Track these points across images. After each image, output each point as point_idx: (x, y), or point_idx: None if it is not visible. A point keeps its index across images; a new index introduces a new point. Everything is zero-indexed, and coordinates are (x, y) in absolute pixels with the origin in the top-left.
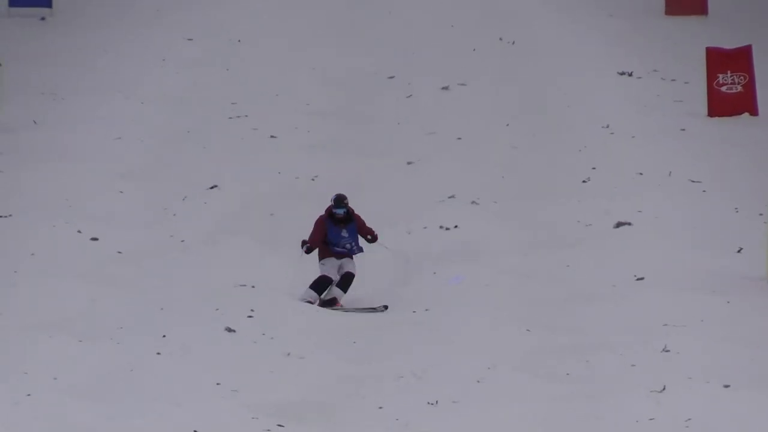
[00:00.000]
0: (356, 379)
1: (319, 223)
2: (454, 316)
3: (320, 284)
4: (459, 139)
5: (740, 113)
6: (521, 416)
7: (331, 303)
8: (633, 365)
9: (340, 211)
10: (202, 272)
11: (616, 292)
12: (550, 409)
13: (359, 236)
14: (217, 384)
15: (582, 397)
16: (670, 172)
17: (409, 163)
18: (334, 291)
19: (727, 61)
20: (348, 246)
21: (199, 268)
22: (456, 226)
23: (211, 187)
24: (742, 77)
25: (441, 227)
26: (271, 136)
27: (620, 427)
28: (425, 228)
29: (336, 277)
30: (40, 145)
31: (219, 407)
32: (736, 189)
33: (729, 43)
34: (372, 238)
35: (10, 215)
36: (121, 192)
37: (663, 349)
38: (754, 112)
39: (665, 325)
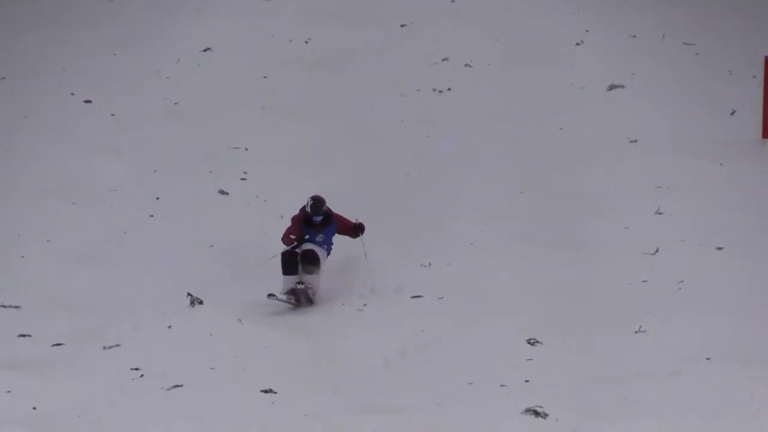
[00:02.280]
0: (350, 240)
1: (296, 222)
2: (449, 181)
3: (289, 264)
4: (452, 1)
5: None
6: (513, 278)
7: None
8: (626, 228)
9: (318, 219)
10: (196, 135)
11: (610, 155)
12: (542, 272)
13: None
14: (211, 246)
15: (575, 261)
16: (664, 35)
17: (402, 26)
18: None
19: None
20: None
21: (192, 132)
22: (449, 89)
23: (204, 50)
24: None
25: (434, 90)
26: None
27: (613, 289)
28: (418, 91)
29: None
30: (39, 16)
31: (212, 270)
32: (729, 52)
33: None
34: (357, 230)
35: (3, 78)
36: (115, 54)
37: (656, 212)
38: None
39: (658, 187)
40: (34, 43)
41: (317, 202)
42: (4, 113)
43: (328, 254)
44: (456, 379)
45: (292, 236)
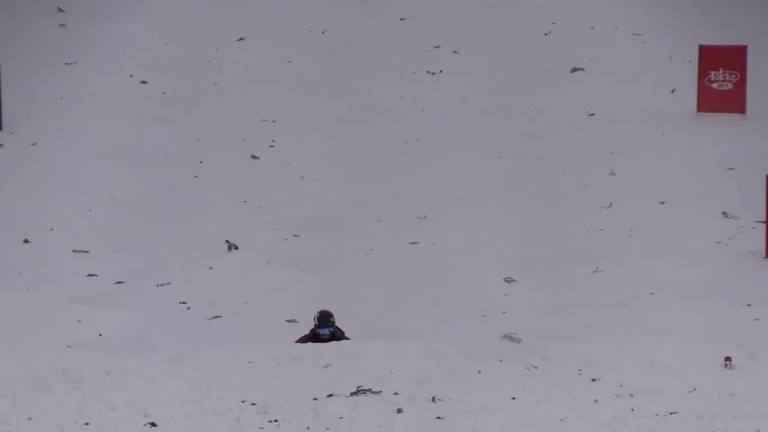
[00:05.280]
0: (359, 197)
1: (303, 339)
2: (440, 147)
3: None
4: None
5: None
6: (492, 227)
7: None
8: (585, 186)
9: (326, 332)
10: (232, 110)
11: (572, 126)
12: (516, 222)
13: None
14: (244, 202)
15: (543, 213)
16: (616, 27)
17: (401, 19)
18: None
19: None
20: None
21: (229, 107)
22: (441, 71)
23: (239, 39)
24: None
25: (428, 72)
26: None
27: (575, 236)
28: (415, 73)
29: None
30: (98, 4)
31: (246, 221)
32: (669, 39)
33: None
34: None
35: (75, 62)
36: (166, 43)
37: (610, 173)
38: None
39: (612, 152)
40: (101, 33)
41: (324, 315)
42: (75, 93)
43: None
44: (446, 311)
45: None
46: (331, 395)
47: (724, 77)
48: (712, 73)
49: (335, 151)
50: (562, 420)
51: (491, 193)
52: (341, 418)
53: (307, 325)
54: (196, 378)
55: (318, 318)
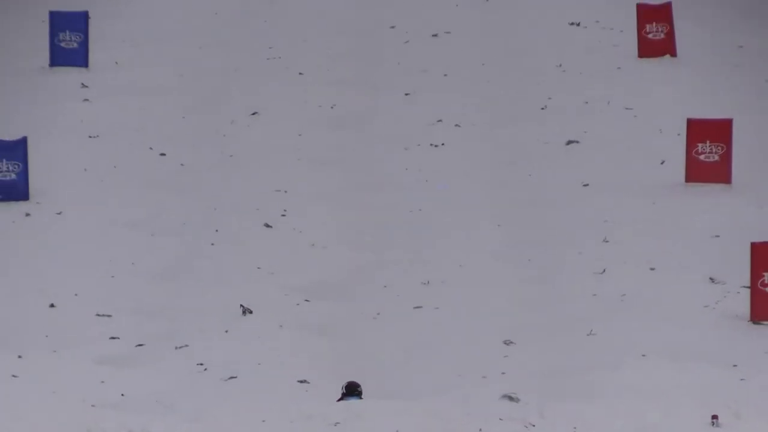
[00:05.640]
0: (366, 264)
1: None
2: (441, 216)
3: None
4: (445, 75)
5: (663, 55)
6: (493, 293)
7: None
8: (580, 253)
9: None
10: (247, 180)
11: (567, 196)
12: (515, 288)
13: None
14: (258, 268)
15: (540, 278)
16: (609, 102)
17: (406, 94)
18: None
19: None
20: None
21: (244, 178)
22: (443, 144)
23: (253, 114)
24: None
25: (431, 145)
26: (300, 73)
27: (572, 300)
28: (418, 145)
29: None
30: (121, 82)
31: (259, 286)
32: (659, 114)
33: None
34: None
35: (98, 136)
36: (183, 118)
37: (603, 240)
38: (673, 53)
39: (605, 221)
40: (122, 107)
41: (351, 385)
42: (98, 165)
43: None
44: (448, 371)
45: None
46: None
47: (710, 149)
48: (700, 145)
49: (343, 219)
50: None
51: (491, 260)
52: None
53: (318, 386)
54: None
55: (346, 387)
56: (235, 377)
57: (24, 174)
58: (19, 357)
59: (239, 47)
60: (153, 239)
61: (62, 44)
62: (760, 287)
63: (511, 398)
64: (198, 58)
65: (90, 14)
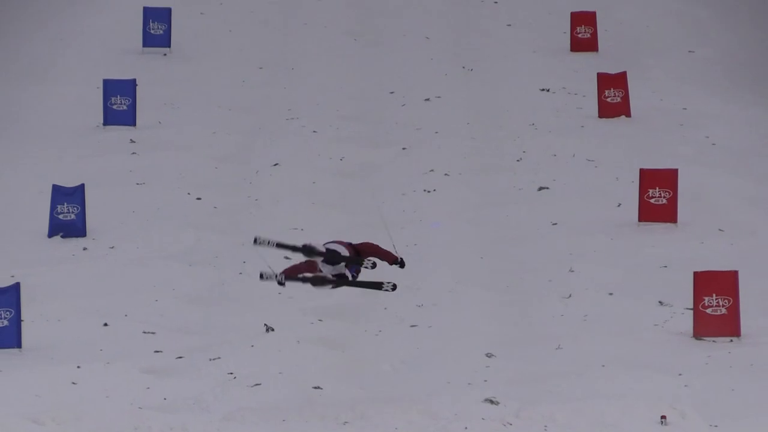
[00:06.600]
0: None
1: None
2: (434, 251)
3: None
4: (436, 132)
5: (620, 115)
6: (477, 314)
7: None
8: (549, 280)
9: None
10: (269, 221)
11: (539, 233)
12: (495, 310)
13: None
14: (279, 293)
15: (516, 302)
16: (574, 154)
17: (403, 148)
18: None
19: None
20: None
21: (266, 218)
22: (435, 190)
23: (275, 165)
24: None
25: (424, 190)
26: (314, 131)
27: (543, 321)
28: (414, 191)
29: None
30: (164, 138)
31: (280, 308)
32: (616, 165)
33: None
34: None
35: (144, 183)
36: (216, 168)
37: (569, 270)
38: (628, 114)
39: (570, 254)
40: (165, 160)
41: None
42: (144, 207)
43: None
44: (439, 379)
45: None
46: None
47: (659, 194)
48: (650, 190)
49: None
50: None
51: (475, 286)
52: None
53: (330, 392)
54: None
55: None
56: (260, 384)
57: (82, 215)
58: (78, 367)
59: (263, 109)
60: (190, 269)
61: (114, 107)
62: (701, 309)
63: (492, 401)
64: (228, 119)
65: (137, 82)
